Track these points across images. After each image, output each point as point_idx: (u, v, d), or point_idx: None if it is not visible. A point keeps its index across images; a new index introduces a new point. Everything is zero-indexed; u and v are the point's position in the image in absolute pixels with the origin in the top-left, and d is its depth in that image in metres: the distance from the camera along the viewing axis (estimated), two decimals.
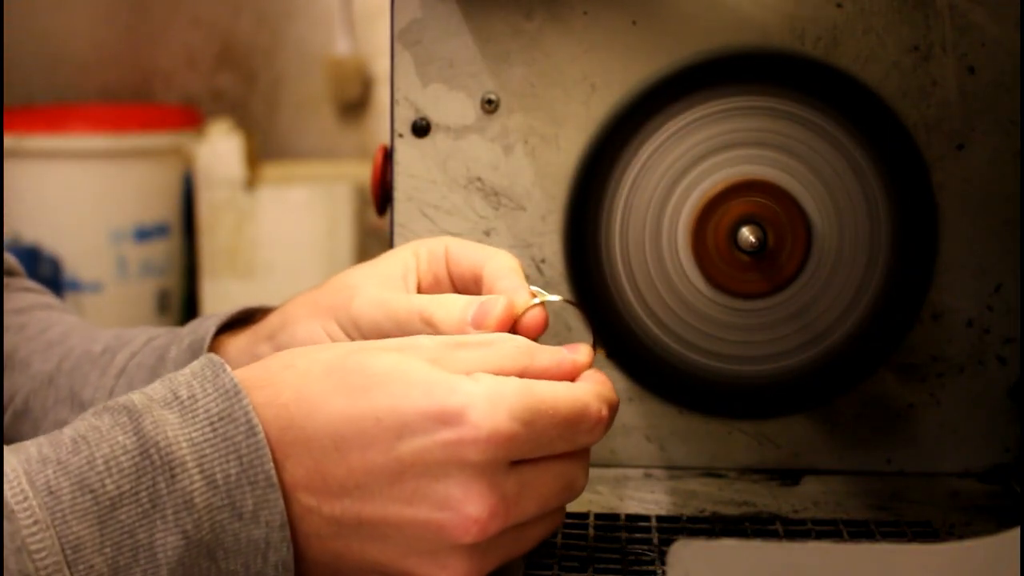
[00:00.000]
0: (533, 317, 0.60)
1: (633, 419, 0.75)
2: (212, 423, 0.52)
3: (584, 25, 0.72)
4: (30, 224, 1.91)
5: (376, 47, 2.16)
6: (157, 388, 0.54)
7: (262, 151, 2.14)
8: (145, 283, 1.98)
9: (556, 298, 0.64)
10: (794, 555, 0.47)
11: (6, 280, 0.82)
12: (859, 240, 0.72)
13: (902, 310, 0.73)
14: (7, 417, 0.74)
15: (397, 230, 0.74)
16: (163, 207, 2.01)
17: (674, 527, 0.67)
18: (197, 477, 0.51)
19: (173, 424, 0.52)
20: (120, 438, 0.52)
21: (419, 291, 0.64)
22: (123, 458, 0.51)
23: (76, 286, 1.94)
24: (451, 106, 0.72)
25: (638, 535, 0.65)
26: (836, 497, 0.71)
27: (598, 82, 0.72)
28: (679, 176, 0.72)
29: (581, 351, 0.59)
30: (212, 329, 0.70)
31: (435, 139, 0.73)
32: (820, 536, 0.66)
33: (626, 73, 0.72)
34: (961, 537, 0.63)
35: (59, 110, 2.07)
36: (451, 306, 0.61)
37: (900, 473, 0.74)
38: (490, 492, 0.52)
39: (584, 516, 0.68)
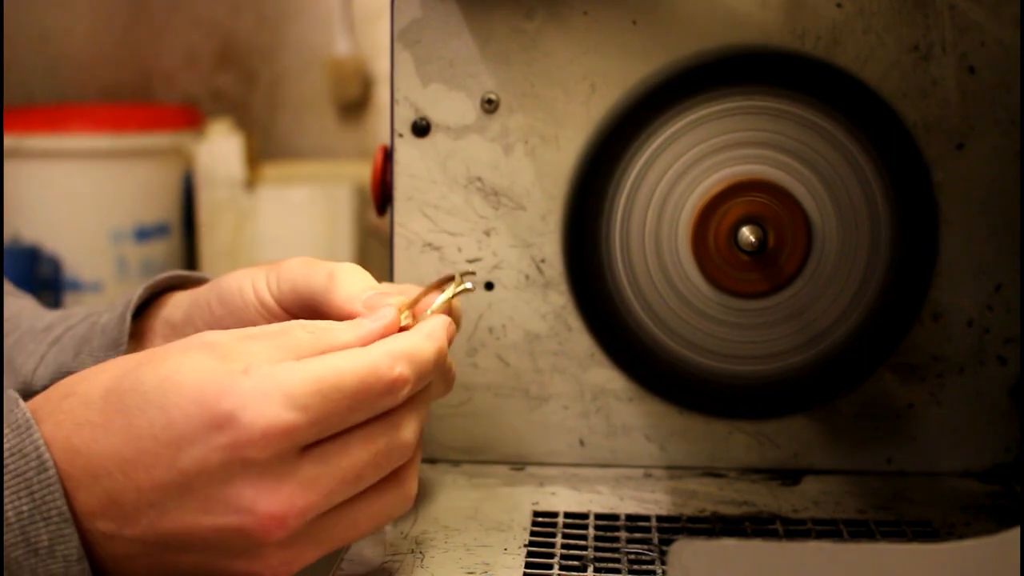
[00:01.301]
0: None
1: (633, 419, 0.75)
2: (4, 460, 0.52)
3: (584, 25, 0.72)
4: (30, 224, 1.91)
5: (376, 47, 2.16)
6: None
7: (262, 151, 2.14)
8: (145, 283, 1.98)
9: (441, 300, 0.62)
10: (794, 555, 0.47)
11: None
12: (859, 240, 0.72)
13: (902, 310, 0.73)
14: None
15: (397, 230, 0.74)
16: (163, 207, 2.01)
17: (674, 527, 0.67)
18: None
19: None
20: None
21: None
22: None
23: (76, 286, 1.93)
24: (451, 106, 0.72)
25: (638, 535, 0.65)
26: (836, 497, 0.71)
27: (598, 82, 0.72)
28: (679, 176, 0.72)
29: (384, 314, 0.57)
30: (140, 290, 0.70)
31: (435, 139, 0.73)
32: (820, 536, 0.66)
33: (626, 73, 0.72)
34: (961, 537, 0.63)
35: (59, 110, 2.07)
36: (358, 278, 0.61)
37: (900, 473, 0.74)
38: (280, 485, 0.51)
39: (584, 516, 0.68)
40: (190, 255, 2.04)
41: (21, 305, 0.79)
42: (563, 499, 0.71)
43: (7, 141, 1.91)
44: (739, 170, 0.72)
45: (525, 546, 0.64)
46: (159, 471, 0.52)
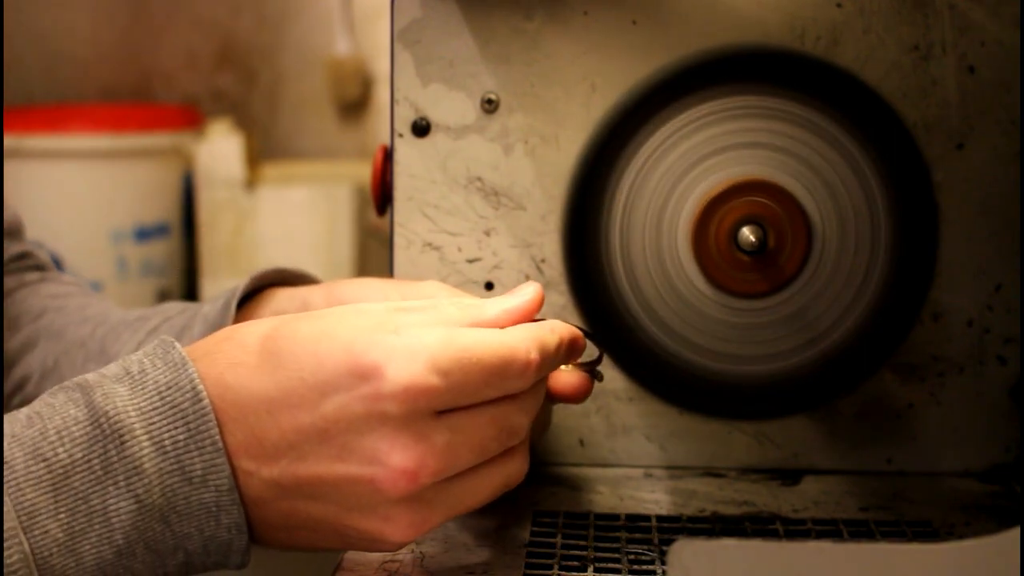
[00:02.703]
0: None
1: (633, 419, 0.75)
2: (160, 392, 0.54)
3: (584, 25, 0.72)
4: (30, 224, 1.90)
5: (376, 47, 2.16)
6: (112, 367, 0.56)
7: (262, 151, 2.14)
8: (145, 283, 1.98)
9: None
10: (794, 555, 0.47)
11: (43, 274, 0.87)
12: (859, 240, 0.72)
13: (902, 310, 0.73)
14: (36, 378, 0.78)
15: (397, 230, 0.74)
16: (163, 207, 2.01)
17: (674, 527, 0.67)
18: (146, 443, 0.53)
19: (123, 395, 0.54)
20: (72, 411, 0.53)
21: None
22: (74, 428, 0.53)
23: None
24: (451, 106, 0.72)
25: (638, 535, 0.65)
26: (836, 497, 0.71)
27: (598, 82, 0.72)
28: (679, 176, 0.72)
29: (526, 292, 0.60)
30: (245, 282, 0.73)
31: (435, 139, 0.73)
32: (820, 536, 0.66)
33: (626, 73, 0.72)
34: (961, 537, 0.63)
35: (59, 110, 2.07)
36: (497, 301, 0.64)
37: (900, 473, 0.74)
38: (415, 443, 0.53)
39: (584, 516, 0.68)
40: (190, 255, 2.04)
41: (106, 305, 0.83)
42: (563, 499, 0.71)
43: (7, 141, 1.91)
44: (739, 170, 0.72)
45: (525, 546, 0.64)
46: (302, 414, 0.54)
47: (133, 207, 1.97)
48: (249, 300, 0.74)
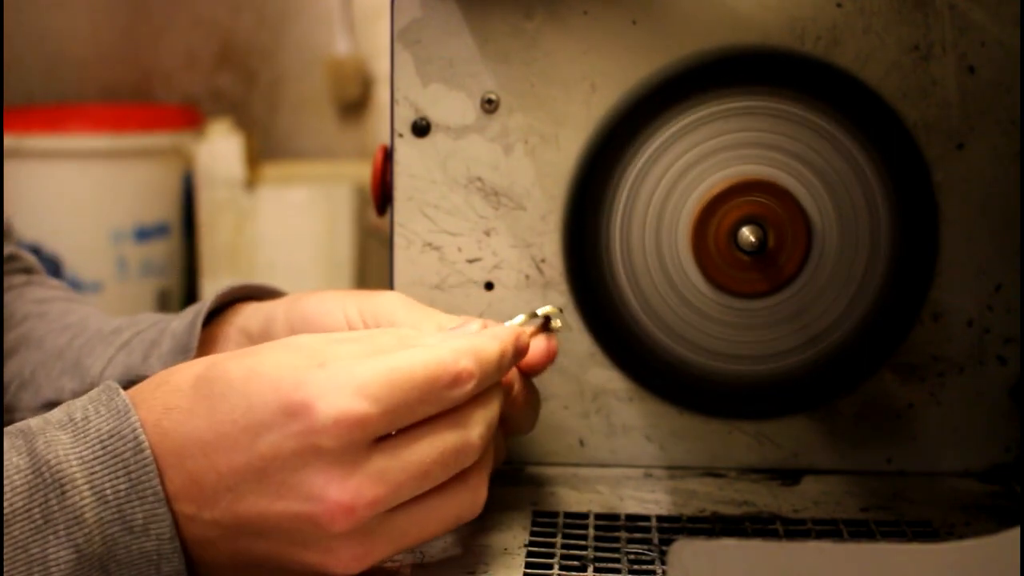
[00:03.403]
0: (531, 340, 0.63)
1: (633, 419, 0.75)
2: (102, 441, 0.54)
3: (584, 25, 0.72)
4: (30, 224, 1.91)
5: (376, 47, 2.16)
6: (55, 413, 0.56)
7: (262, 151, 2.14)
8: (145, 283, 1.98)
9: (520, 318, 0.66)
10: (794, 555, 0.47)
11: (29, 277, 0.86)
12: (859, 240, 0.72)
13: (902, 310, 0.73)
14: (14, 388, 0.78)
15: (397, 230, 0.74)
16: (163, 207, 2.01)
17: (674, 527, 0.67)
18: (87, 493, 0.53)
19: (65, 444, 0.54)
20: (14, 459, 0.53)
21: None
22: (16, 477, 0.53)
23: (76, 286, 1.94)
24: (451, 106, 0.72)
25: (638, 535, 0.65)
26: (836, 497, 0.71)
27: (598, 82, 0.72)
28: (679, 176, 0.72)
29: (468, 328, 0.61)
30: (210, 300, 0.72)
31: (435, 139, 0.73)
32: (820, 536, 0.66)
33: (626, 73, 0.72)
34: (961, 537, 0.63)
35: (59, 110, 2.07)
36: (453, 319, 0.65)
37: (900, 473, 0.74)
38: (350, 475, 0.53)
39: (584, 516, 0.68)
40: (190, 255, 2.04)
41: (87, 311, 0.83)
42: (563, 499, 0.71)
43: (7, 141, 1.91)
44: (739, 170, 0.72)
45: (525, 546, 0.64)
46: (237, 455, 0.54)
47: (133, 207, 1.98)
48: (216, 317, 0.73)
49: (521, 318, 0.67)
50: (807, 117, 0.71)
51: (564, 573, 0.61)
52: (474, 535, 0.65)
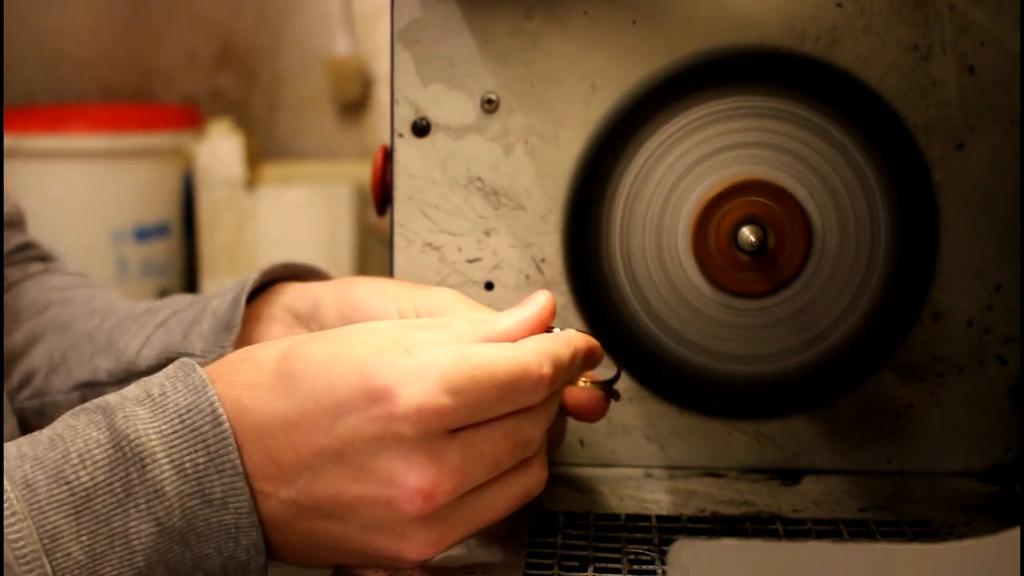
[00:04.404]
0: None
1: (633, 419, 0.75)
2: (180, 415, 0.54)
3: (584, 25, 0.72)
4: (30, 224, 1.91)
5: (376, 47, 2.16)
6: (132, 389, 0.56)
7: (262, 151, 2.14)
8: (145, 283, 1.98)
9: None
10: (794, 555, 0.47)
11: (46, 265, 0.87)
12: (859, 240, 0.72)
13: (902, 310, 0.73)
14: (43, 373, 0.78)
15: (397, 230, 0.74)
16: (163, 207, 2.00)
17: (674, 527, 0.67)
18: (167, 467, 0.53)
19: (144, 419, 0.54)
20: (94, 434, 0.54)
21: None
22: (96, 451, 0.53)
23: None
24: (451, 106, 0.72)
25: (638, 535, 0.65)
26: (836, 497, 0.71)
27: (598, 82, 0.72)
28: (680, 176, 0.72)
29: (538, 301, 0.60)
30: (254, 276, 0.73)
31: (435, 139, 0.73)
32: (820, 536, 0.66)
33: (626, 73, 0.72)
34: (961, 537, 0.63)
35: (59, 110, 2.07)
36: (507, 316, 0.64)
37: (900, 473, 0.74)
38: (430, 463, 0.54)
39: (584, 516, 0.68)
40: (190, 255, 2.04)
41: (113, 296, 0.83)
42: (563, 499, 0.71)
43: (7, 141, 1.91)
44: (739, 170, 0.72)
45: (525, 546, 0.64)
46: (317, 435, 0.54)
47: (133, 207, 1.97)
48: (258, 295, 0.74)
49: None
50: (807, 117, 0.71)
51: (564, 573, 0.61)
52: (474, 535, 0.65)
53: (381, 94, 2.17)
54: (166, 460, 0.53)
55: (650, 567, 0.61)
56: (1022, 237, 0.72)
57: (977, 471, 0.74)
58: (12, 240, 0.86)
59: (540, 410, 0.58)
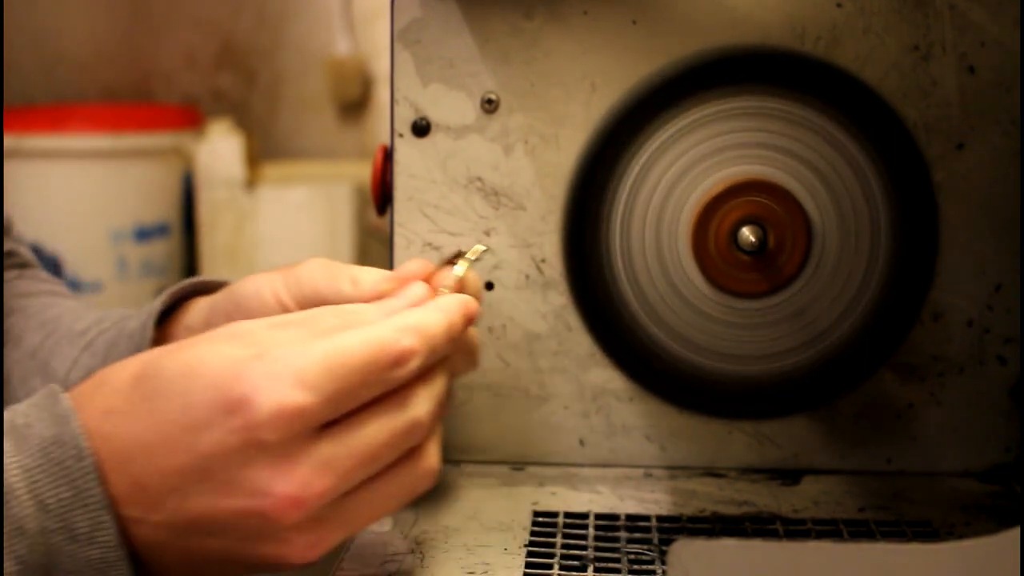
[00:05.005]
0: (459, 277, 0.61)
1: (633, 419, 0.75)
2: (44, 448, 0.53)
3: (584, 25, 0.72)
4: (30, 224, 1.91)
5: (376, 47, 2.16)
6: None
7: (262, 151, 2.14)
8: (145, 283, 1.98)
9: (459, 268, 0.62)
10: (794, 555, 0.47)
11: (21, 271, 0.85)
12: (859, 240, 0.72)
13: (902, 310, 0.73)
14: None
15: (397, 230, 0.74)
16: (163, 207, 2.01)
17: (674, 527, 0.67)
18: (28, 503, 0.52)
19: (8, 451, 0.52)
20: None
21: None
22: None
23: (76, 286, 1.93)
24: (451, 106, 0.72)
25: (638, 535, 0.65)
26: (836, 497, 0.71)
27: (598, 81, 0.72)
28: (679, 176, 0.72)
29: (411, 291, 0.59)
30: (162, 298, 0.71)
31: (435, 139, 0.73)
32: (820, 536, 0.66)
33: (626, 73, 0.72)
34: (961, 537, 0.63)
35: (59, 110, 2.07)
36: (373, 271, 0.63)
37: (900, 473, 0.74)
38: (296, 466, 0.52)
39: (584, 516, 0.68)
40: (190, 255, 2.04)
41: (66, 307, 0.81)
42: (563, 499, 0.71)
43: (7, 141, 1.91)
44: (739, 170, 0.72)
45: (525, 546, 0.64)
46: (179, 455, 0.53)
47: (133, 207, 1.97)
48: (171, 314, 0.72)
49: (462, 268, 0.62)
50: (807, 117, 0.71)
51: (564, 573, 0.60)
52: (474, 535, 0.65)
53: (381, 94, 2.17)
54: (27, 496, 0.52)
55: (650, 567, 0.61)
56: (1022, 237, 0.72)
57: (977, 471, 0.74)
58: None
59: (418, 387, 0.55)
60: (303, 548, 0.53)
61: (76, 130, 1.96)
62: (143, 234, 1.98)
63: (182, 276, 2.03)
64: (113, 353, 0.71)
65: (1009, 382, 0.73)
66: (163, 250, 2.00)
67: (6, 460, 0.52)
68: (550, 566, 0.61)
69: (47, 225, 1.92)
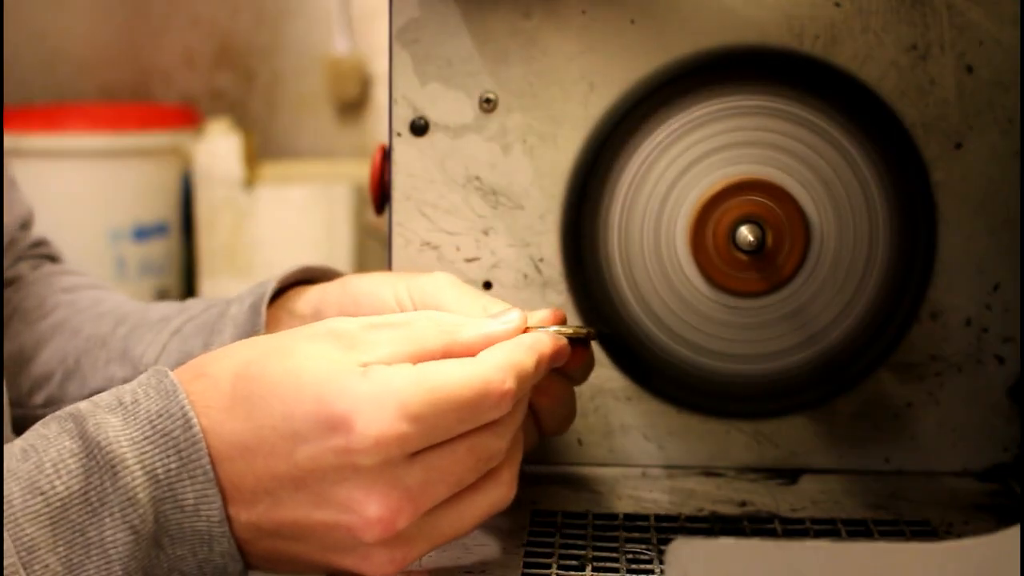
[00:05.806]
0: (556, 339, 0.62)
1: (631, 418, 0.75)
2: (151, 421, 0.54)
3: (582, 24, 0.72)
4: None
5: (375, 46, 2.16)
6: (104, 397, 0.56)
7: (261, 150, 2.14)
8: (144, 282, 1.98)
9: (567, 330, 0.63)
10: (792, 554, 0.47)
11: (51, 266, 0.87)
12: (858, 239, 0.72)
13: (901, 309, 0.73)
14: (58, 379, 0.78)
15: (396, 229, 0.74)
16: (162, 206, 2.00)
17: (672, 526, 0.67)
18: (138, 473, 0.53)
19: (115, 426, 0.54)
20: (66, 443, 0.53)
21: None
22: (70, 460, 0.53)
23: None
24: (449, 105, 0.72)
25: (636, 534, 0.65)
26: (834, 496, 0.71)
27: (596, 81, 0.72)
28: (678, 175, 0.72)
29: (510, 319, 0.59)
30: (272, 283, 0.72)
31: (433, 138, 0.73)
32: (818, 535, 0.66)
33: (624, 72, 0.72)
34: (960, 536, 0.63)
35: (58, 109, 2.07)
36: (500, 305, 0.64)
37: (899, 472, 0.74)
38: (389, 491, 0.53)
39: (583, 516, 0.68)
40: (189, 255, 2.04)
41: (119, 298, 0.83)
42: (561, 499, 0.71)
43: (5, 140, 1.90)
44: (738, 170, 0.72)
45: (524, 546, 0.64)
46: (276, 461, 0.54)
47: (132, 207, 1.97)
48: (272, 302, 0.73)
49: (557, 328, 0.63)
50: (805, 117, 0.71)
51: (563, 573, 0.60)
52: (473, 535, 0.65)
53: (379, 94, 2.17)
54: (137, 466, 0.53)
55: (648, 566, 0.61)
56: (1021, 236, 0.72)
57: (976, 470, 0.74)
58: (27, 238, 0.86)
59: (505, 422, 0.57)
60: (383, 563, 0.55)
61: (74, 129, 1.95)
62: (141, 233, 1.98)
63: (181, 276, 2.03)
64: (216, 340, 0.72)
65: (1008, 381, 0.73)
66: (161, 249, 2.00)
67: (115, 434, 0.53)
68: (548, 566, 0.61)
69: (46, 224, 1.91)
